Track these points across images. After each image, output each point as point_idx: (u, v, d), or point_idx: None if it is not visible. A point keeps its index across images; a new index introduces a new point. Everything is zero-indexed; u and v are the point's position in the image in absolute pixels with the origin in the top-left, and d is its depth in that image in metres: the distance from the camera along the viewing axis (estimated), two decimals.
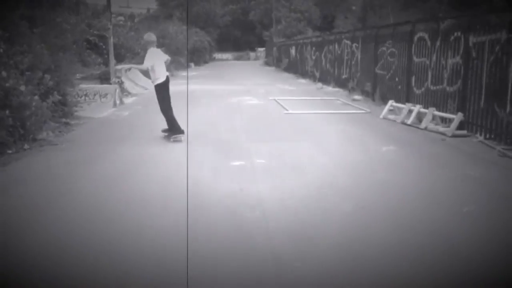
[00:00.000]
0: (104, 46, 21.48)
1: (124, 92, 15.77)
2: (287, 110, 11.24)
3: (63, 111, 9.75)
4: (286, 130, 9.05)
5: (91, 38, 23.10)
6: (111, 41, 15.82)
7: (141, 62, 8.17)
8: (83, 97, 12.19)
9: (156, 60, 7.66)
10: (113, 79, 15.42)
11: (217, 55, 52.09)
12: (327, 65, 18.79)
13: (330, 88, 17.61)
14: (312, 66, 21.70)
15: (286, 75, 26.85)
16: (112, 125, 9.69)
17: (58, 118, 9.32)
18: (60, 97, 8.43)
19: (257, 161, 6.45)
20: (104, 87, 12.61)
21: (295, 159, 6.62)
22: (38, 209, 4.56)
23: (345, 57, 16.18)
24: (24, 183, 5.49)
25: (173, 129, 7.72)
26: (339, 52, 17.08)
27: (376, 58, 12.89)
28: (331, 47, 18.19)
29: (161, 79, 7.71)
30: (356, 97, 13.77)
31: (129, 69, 19.64)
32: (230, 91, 16.63)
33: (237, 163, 6.36)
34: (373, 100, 12.96)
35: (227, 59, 53.81)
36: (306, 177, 5.64)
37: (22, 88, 6.62)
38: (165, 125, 7.94)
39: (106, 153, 6.98)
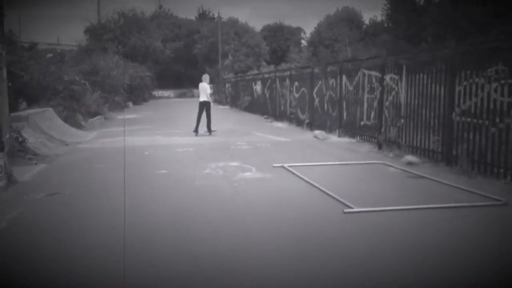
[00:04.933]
0: (10, 85, 14.32)
1: (26, 155, 9.67)
2: (348, 205, 5.43)
3: None
4: None
5: None
6: (4, 73, 9.62)
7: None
8: None
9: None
10: (6, 135, 9.29)
11: (157, 93, 46.17)
12: (326, 106, 13.71)
13: (335, 138, 12.47)
14: (294, 107, 16.57)
15: (252, 116, 21.53)
16: None
17: None
18: None
19: None
20: None
21: None
22: None
23: (366, 95, 11.15)
24: None
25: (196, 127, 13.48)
26: (350, 88, 12.05)
27: (453, 97, 7.91)
28: (332, 81, 13.17)
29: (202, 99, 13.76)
30: (410, 158, 8.63)
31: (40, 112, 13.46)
32: (197, 147, 11.00)
33: None
34: (452, 163, 7.89)
35: (168, 97, 48.20)
36: None
37: None
38: None
39: None
